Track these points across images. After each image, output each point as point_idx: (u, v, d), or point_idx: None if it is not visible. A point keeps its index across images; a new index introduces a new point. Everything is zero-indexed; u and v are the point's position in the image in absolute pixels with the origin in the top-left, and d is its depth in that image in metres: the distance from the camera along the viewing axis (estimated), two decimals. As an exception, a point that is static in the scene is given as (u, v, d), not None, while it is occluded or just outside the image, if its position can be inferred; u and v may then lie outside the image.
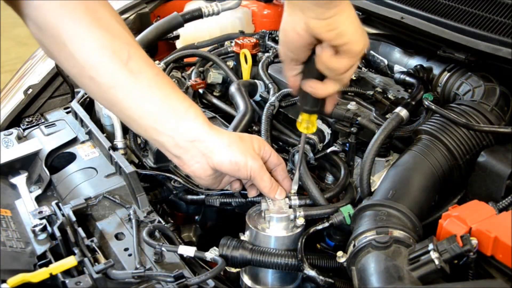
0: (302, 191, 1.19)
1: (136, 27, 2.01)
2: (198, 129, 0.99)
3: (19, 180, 1.32)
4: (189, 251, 1.03)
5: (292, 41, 0.94)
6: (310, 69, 1.00)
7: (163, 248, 1.03)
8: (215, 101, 1.58)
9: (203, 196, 1.23)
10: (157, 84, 0.97)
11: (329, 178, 1.31)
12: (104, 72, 0.92)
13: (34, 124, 1.54)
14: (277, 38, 1.78)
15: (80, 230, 1.07)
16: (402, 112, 1.21)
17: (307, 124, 1.10)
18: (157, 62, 1.69)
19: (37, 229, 1.07)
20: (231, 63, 1.68)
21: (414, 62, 1.49)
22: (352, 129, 1.25)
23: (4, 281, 0.90)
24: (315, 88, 1.01)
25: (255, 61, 1.63)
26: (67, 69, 0.97)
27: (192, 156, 1.00)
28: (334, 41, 0.91)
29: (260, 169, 1.03)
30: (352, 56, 0.94)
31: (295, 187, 1.14)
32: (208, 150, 0.99)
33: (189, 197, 1.28)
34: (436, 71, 1.41)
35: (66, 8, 0.90)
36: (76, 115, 1.53)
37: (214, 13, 1.87)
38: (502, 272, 0.84)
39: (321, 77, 1.01)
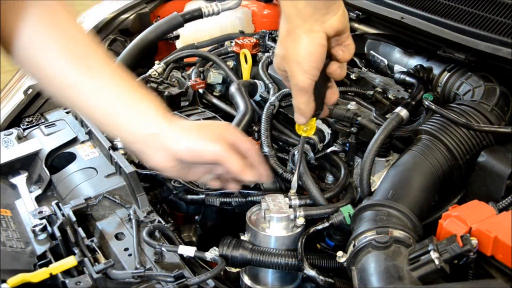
0: (302, 191, 1.19)
1: (136, 27, 2.01)
2: (155, 121, 0.97)
3: (19, 180, 1.32)
4: (189, 251, 1.03)
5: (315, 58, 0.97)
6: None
7: (163, 248, 1.03)
8: (215, 101, 1.58)
9: (203, 196, 1.23)
10: (113, 80, 0.96)
11: (329, 178, 1.31)
12: (60, 71, 0.92)
13: (34, 124, 1.54)
14: (277, 38, 1.78)
15: (80, 230, 1.07)
16: (402, 112, 1.21)
17: (306, 127, 1.10)
18: (157, 62, 1.69)
19: (37, 229, 1.07)
20: (231, 63, 1.68)
21: (414, 62, 1.49)
22: (352, 129, 1.25)
23: (4, 281, 0.90)
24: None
25: (255, 61, 1.63)
26: (27, 70, 0.97)
27: (154, 149, 0.98)
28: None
29: (225, 151, 0.99)
30: None
31: (295, 186, 1.14)
32: (167, 141, 0.97)
33: (189, 197, 1.28)
34: (436, 71, 1.41)
35: (21, 8, 0.90)
36: (76, 115, 1.53)
37: (214, 13, 1.87)
38: (502, 272, 0.84)
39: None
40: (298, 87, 0.97)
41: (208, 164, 1.04)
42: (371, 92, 1.43)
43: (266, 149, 1.27)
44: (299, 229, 1.06)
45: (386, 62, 1.58)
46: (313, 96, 0.98)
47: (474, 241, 0.83)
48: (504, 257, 0.83)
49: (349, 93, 1.39)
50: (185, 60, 1.76)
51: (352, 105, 1.29)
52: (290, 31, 0.93)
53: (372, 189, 1.14)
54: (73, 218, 1.09)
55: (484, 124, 1.13)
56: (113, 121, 0.97)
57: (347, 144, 1.27)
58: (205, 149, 0.98)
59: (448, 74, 1.36)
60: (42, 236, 1.07)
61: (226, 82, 1.68)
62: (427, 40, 1.43)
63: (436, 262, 0.81)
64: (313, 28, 0.90)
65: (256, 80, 1.55)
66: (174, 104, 1.54)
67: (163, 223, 1.14)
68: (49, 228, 1.07)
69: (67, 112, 1.59)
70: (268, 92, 1.48)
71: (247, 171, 1.02)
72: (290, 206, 1.09)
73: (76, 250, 1.02)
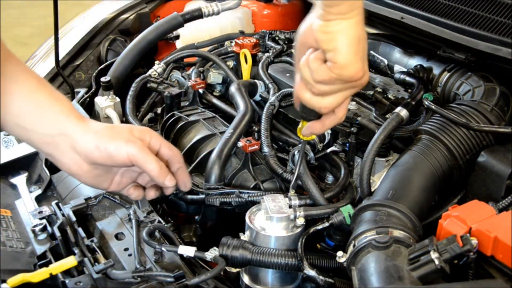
0: (302, 191, 1.19)
1: (136, 27, 2.01)
2: (63, 122, 0.93)
3: (19, 180, 1.32)
4: (189, 251, 1.03)
5: (299, 37, 0.92)
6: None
7: (163, 248, 1.03)
8: (215, 101, 1.58)
9: (203, 196, 1.23)
10: (21, 80, 0.92)
11: (329, 178, 1.31)
12: None
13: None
14: (277, 38, 1.78)
15: (80, 230, 1.07)
16: (402, 112, 1.21)
17: None
18: (157, 62, 1.69)
19: (37, 229, 1.07)
20: (231, 63, 1.68)
21: (414, 62, 1.49)
22: (352, 129, 1.25)
23: (4, 281, 0.90)
24: (312, 128, 0.99)
25: (255, 61, 1.63)
26: None
27: (63, 151, 0.94)
28: (323, 44, 0.85)
29: (140, 151, 0.94)
30: (336, 69, 0.85)
31: (293, 187, 1.14)
32: (77, 142, 0.93)
33: (189, 197, 1.28)
34: (436, 71, 1.42)
35: None
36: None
37: (214, 13, 1.87)
38: (502, 272, 0.84)
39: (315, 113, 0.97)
40: None
41: (123, 166, 0.99)
42: (371, 92, 1.43)
43: (266, 149, 1.27)
44: (299, 229, 1.06)
45: (386, 62, 1.58)
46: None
47: (474, 241, 0.83)
48: (504, 257, 0.83)
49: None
50: (185, 60, 1.76)
51: (352, 105, 1.29)
52: None
53: (372, 189, 1.14)
54: (73, 218, 1.09)
55: (484, 124, 1.13)
56: (21, 122, 0.92)
57: (347, 144, 1.27)
58: (118, 150, 0.93)
59: (448, 74, 1.36)
60: (42, 236, 1.07)
61: (226, 82, 1.68)
62: (427, 40, 1.43)
63: (436, 262, 0.81)
64: None
65: (256, 80, 1.55)
66: (174, 104, 1.54)
67: (163, 223, 1.14)
68: (49, 228, 1.07)
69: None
70: (268, 92, 1.48)
71: (165, 175, 0.98)
72: (290, 206, 1.09)
73: (76, 250, 1.02)
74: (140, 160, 0.94)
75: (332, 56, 0.85)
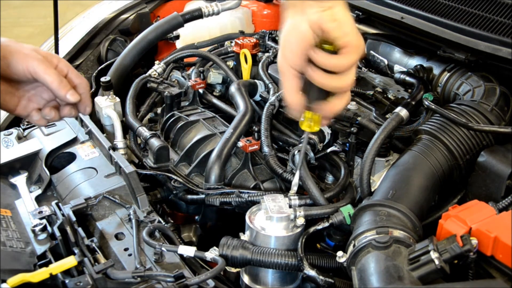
0: (302, 191, 1.19)
1: (136, 27, 2.01)
2: None
3: (19, 180, 1.32)
4: (189, 251, 1.03)
5: (296, 41, 0.92)
6: (312, 89, 0.94)
7: (163, 248, 1.03)
8: (215, 101, 1.58)
9: (203, 196, 1.23)
10: None
11: (329, 178, 1.31)
12: None
13: (34, 124, 1.54)
14: (277, 38, 1.78)
15: (80, 230, 1.07)
16: (402, 112, 1.21)
17: (310, 122, 1.06)
18: (157, 62, 1.69)
19: (37, 229, 1.07)
20: (231, 63, 1.68)
21: (414, 62, 1.49)
22: (352, 129, 1.25)
23: (4, 281, 0.90)
24: (321, 109, 0.97)
25: (255, 61, 1.63)
26: None
27: None
28: (335, 32, 0.88)
29: (41, 64, 0.95)
30: (351, 52, 0.89)
31: (295, 188, 1.14)
32: None
33: (189, 197, 1.28)
34: (436, 71, 1.42)
35: None
36: (75, 115, 1.53)
37: (214, 13, 1.87)
38: (502, 272, 0.84)
39: (324, 95, 0.95)
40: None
41: (24, 80, 0.99)
42: (371, 92, 1.43)
43: (266, 149, 1.27)
44: (299, 229, 1.06)
45: (386, 62, 1.58)
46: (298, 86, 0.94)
47: (474, 241, 0.83)
48: (504, 257, 0.83)
49: (349, 93, 1.39)
50: (185, 60, 1.76)
51: (352, 105, 1.29)
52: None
53: (372, 189, 1.14)
54: (73, 218, 1.09)
55: (484, 124, 1.13)
56: None
57: (347, 144, 1.27)
58: (20, 62, 0.95)
59: (448, 74, 1.36)
60: (42, 236, 1.07)
61: (226, 82, 1.68)
62: (427, 40, 1.43)
63: (436, 262, 0.81)
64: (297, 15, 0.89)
65: (256, 80, 1.55)
66: (174, 104, 1.54)
67: (163, 223, 1.14)
68: (49, 228, 1.07)
69: (67, 112, 1.59)
70: (268, 92, 1.48)
71: (67, 88, 0.98)
72: (290, 206, 1.09)
73: (76, 250, 1.02)
74: (40, 72, 0.96)
75: (346, 40, 0.89)
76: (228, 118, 1.47)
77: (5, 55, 0.94)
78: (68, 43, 1.88)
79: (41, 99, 1.03)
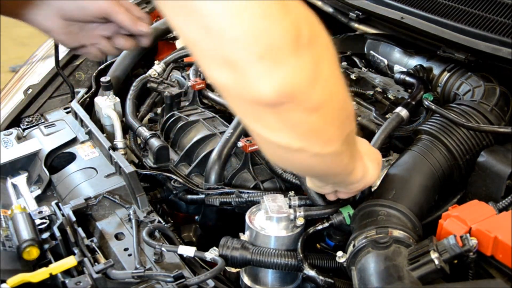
0: (302, 191, 1.19)
1: (136, 27, 2.01)
2: None
3: (19, 180, 1.32)
4: (189, 251, 1.03)
5: None
6: None
7: (163, 248, 1.03)
8: (217, 98, 1.58)
9: (203, 196, 1.23)
10: None
11: (329, 178, 1.31)
12: None
13: (34, 124, 1.54)
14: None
15: (80, 230, 1.07)
16: (402, 112, 1.21)
17: None
18: (157, 62, 1.69)
19: (42, 227, 1.07)
20: (231, 63, 1.68)
21: (414, 62, 1.49)
22: (352, 129, 1.24)
23: (4, 281, 0.90)
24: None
25: (255, 61, 1.63)
26: None
27: (37, 7, 0.98)
28: None
29: (111, 3, 1.01)
30: None
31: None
32: None
33: (189, 197, 1.28)
34: (436, 71, 1.41)
35: None
36: (76, 115, 1.53)
37: (214, 13, 1.87)
38: (502, 272, 0.84)
39: None
40: None
41: (95, 21, 1.03)
42: (371, 92, 1.43)
43: (266, 149, 1.27)
44: (299, 229, 1.06)
45: (386, 62, 1.58)
46: None
47: (474, 241, 0.83)
48: (504, 257, 0.83)
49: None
50: (185, 60, 1.76)
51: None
52: None
53: (372, 189, 1.14)
54: (73, 218, 1.09)
55: (484, 124, 1.13)
56: None
57: (347, 144, 1.26)
58: (90, 2, 0.99)
59: (448, 74, 1.36)
60: (45, 235, 1.07)
61: (226, 82, 1.67)
62: (427, 40, 1.43)
63: (436, 262, 0.81)
64: None
65: (256, 80, 1.55)
66: (174, 104, 1.53)
67: (163, 223, 1.14)
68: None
69: (67, 112, 1.59)
70: (268, 92, 1.48)
71: (138, 22, 1.03)
72: (290, 206, 1.09)
73: (76, 250, 1.02)
74: (112, 10, 1.00)
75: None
76: (228, 118, 1.47)
77: None
78: (68, 43, 1.88)
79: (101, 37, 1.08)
